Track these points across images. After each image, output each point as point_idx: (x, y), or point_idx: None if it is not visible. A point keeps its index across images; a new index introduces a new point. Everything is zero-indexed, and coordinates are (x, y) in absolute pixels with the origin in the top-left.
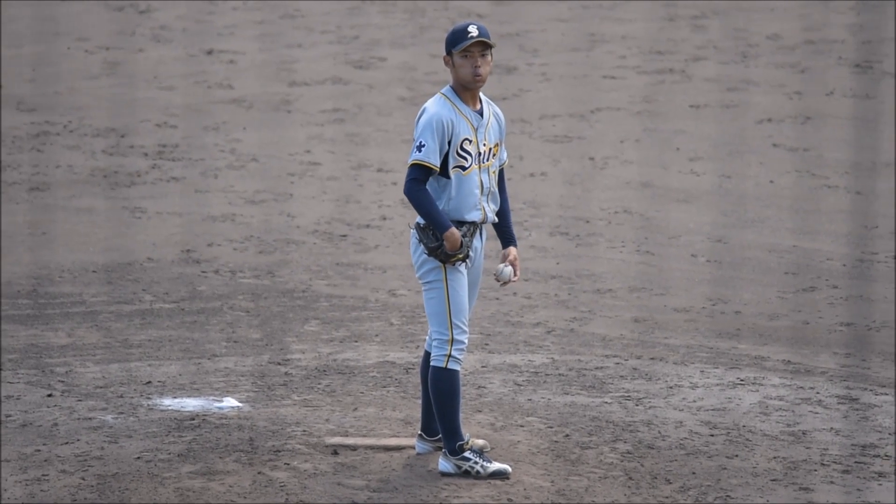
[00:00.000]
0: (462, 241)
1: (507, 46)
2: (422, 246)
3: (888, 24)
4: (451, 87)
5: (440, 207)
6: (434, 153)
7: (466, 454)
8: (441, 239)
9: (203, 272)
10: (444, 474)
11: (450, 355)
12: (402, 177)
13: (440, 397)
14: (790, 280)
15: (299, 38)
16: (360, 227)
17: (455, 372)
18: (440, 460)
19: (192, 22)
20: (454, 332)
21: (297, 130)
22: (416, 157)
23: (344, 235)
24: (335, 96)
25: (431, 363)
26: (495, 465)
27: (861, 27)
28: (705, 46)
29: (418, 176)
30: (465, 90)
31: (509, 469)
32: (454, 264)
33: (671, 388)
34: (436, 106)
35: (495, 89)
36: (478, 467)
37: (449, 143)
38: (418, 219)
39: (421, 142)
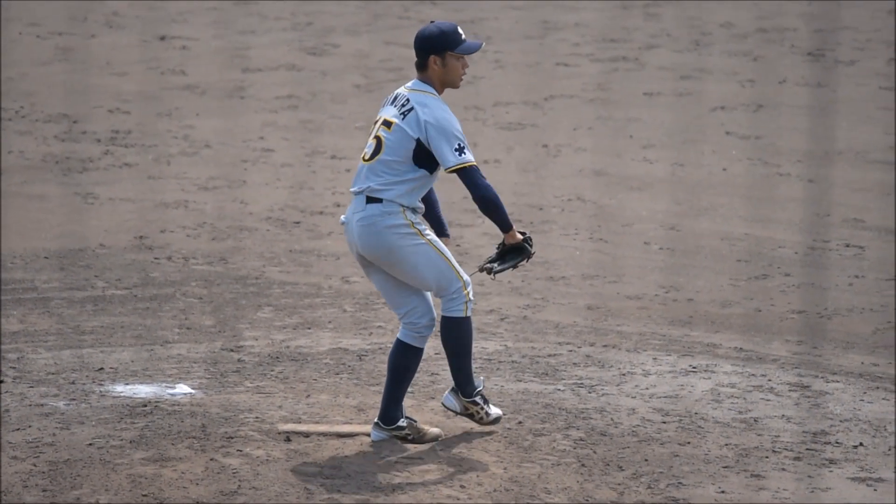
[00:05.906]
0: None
1: None
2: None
3: (840, 13)
4: (431, 86)
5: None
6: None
7: (477, 399)
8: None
9: (156, 259)
10: (447, 408)
11: (469, 300)
12: (354, 164)
13: (464, 347)
14: (743, 268)
15: (253, 24)
16: (313, 214)
17: (471, 319)
18: (448, 395)
19: (145, 8)
20: (462, 274)
21: (250, 117)
22: (468, 159)
23: (297, 222)
24: (289, 83)
25: (450, 315)
26: (495, 412)
27: (813, 16)
28: (658, 35)
29: (482, 176)
30: (443, 89)
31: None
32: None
33: (624, 375)
34: (447, 107)
35: None
36: (482, 413)
37: None
38: (405, 209)
39: (461, 144)
